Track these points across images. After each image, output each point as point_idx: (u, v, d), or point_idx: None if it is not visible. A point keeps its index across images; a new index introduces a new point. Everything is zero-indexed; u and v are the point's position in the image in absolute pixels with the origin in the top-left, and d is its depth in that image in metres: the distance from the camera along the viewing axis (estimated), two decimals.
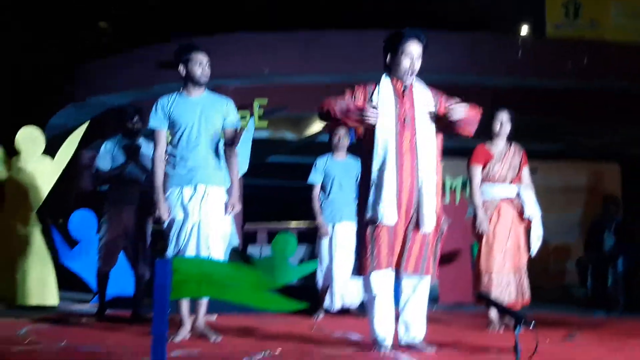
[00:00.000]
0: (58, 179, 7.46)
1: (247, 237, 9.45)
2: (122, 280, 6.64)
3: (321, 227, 6.35)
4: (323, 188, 6.43)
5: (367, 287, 4.11)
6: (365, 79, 4.07)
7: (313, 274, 6.73)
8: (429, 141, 4.11)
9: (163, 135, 4.65)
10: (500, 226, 5.49)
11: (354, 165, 6.12)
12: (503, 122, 5.57)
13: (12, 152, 7.33)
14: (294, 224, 9.40)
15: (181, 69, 4.65)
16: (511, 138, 5.64)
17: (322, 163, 6.46)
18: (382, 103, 4.07)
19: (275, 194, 15.45)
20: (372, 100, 4.09)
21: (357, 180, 5.65)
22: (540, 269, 9.08)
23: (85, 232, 7.47)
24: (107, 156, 5.97)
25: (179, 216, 4.53)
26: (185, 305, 4.56)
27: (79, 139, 7.60)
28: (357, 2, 13.62)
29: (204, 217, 4.52)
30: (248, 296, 3.02)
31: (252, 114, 8.72)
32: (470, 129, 4.16)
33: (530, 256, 5.59)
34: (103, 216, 6.06)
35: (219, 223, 4.61)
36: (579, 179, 10.55)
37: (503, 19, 14.45)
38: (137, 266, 5.93)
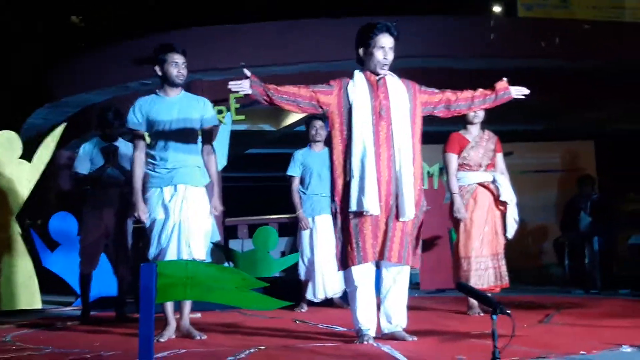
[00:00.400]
0: (37, 181, 7.46)
1: (228, 232, 9.48)
2: (105, 281, 6.67)
3: (301, 220, 6.42)
4: (302, 181, 6.49)
5: (348, 279, 4.19)
6: (341, 67, 4.14)
7: (295, 267, 6.80)
8: (404, 132, 4.19)
9: (141, 136, 4.70)
10: (477, 212, 5.60)
11: None
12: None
13: None
14: (274, 217, 9.45)
15: (157, 69, 4.68)
16: (486, 122, 5.73)
17: (300, 156, 6.51)
18: (357, 96, 4.14)
19: (255, 185, 15.48)
20: (347, 93, 4.16)
21: None
22: (518, 250, 9.22)
23: (66, 234, 7.47)
24: (86, 159, 5.99)
25: (160, 216, 4.56)
26: (169, 305, 4.59)
27: (56, 141, 7.60)
28: None
29: (185, 216, 4.55)
30: (233, 297, 3.09)
31: (228, 108, 8.72)
32: None
33: (507, 240, 5.70)
34: (83, 218, 6.08)
35: (200, 222, 4.64)
36: (554, 159, 10.69)
37: (474, 0, 14.51)
38: (118, 267, 5.98)
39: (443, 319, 5.37)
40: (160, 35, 9.33)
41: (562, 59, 9.68)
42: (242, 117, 8.94)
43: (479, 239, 5.54)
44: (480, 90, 4.45)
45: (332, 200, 4.23)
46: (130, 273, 6.00)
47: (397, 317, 4.20)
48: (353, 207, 4.06)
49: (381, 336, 4.16)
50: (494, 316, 3.16)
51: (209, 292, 3.06)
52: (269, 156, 13.50)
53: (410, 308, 4.35)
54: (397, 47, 4.28)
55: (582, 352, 3.44)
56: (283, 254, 8.86)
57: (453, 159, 5.65)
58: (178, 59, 4.65)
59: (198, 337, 4.49)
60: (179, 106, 4.66)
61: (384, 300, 4.22)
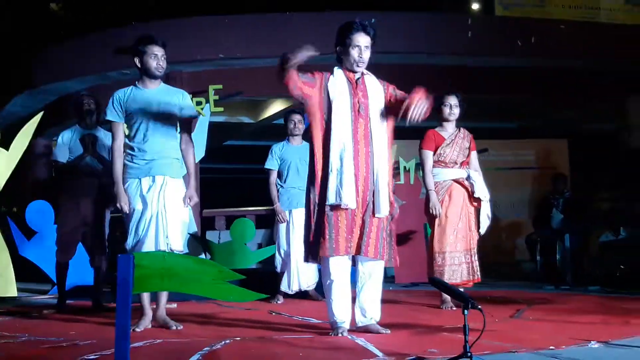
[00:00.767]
0: (14, 169, 7.40)
1: (206, 223, 9.47)
2: (81, 270, 6.65)
3: (278, 213, 6.43)
4: (279, 174, 6.50)
5: (325, 272, 4.22)
6: (322, 61, 4.15)
7: (272, 259, 6.82)
8: (381, 129, 4.24)
9: (120, 128, 4.67)
10: (452, 207, 5.64)
11: None
12: (452, 106, 5.70)
13: None
14: (252, 209, 9.46)
15: (137, 61, 4.67)
16: (461, 119, 5.78)
17: (277, 149, 6.52)
18: (337, 92, 4.17)
19: (233, 177, 15.48)
20: (327, 88, 4.18)
21: None
22: (491, 245, 9.33)
23: (42, 222, 7.43)
24: (65, 147, 5.95)
25: (138, 207, 4.56)
26: (146, 295, 4.59)
27: (33, 129, 7.53)
28: None
29: (163, 207, 4.55)
30: (209, 289, 3.10)
31: (207, 100, 8.70)
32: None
33: (480, 235, 5.76)
34: (60, 207, 6.05)
35: (178, 213, 4.64)
36: (528, 157, 10.79)
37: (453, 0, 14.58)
38: (95, 257, 5.96)
39: (416, 312, 5.43)
40: (141, 25, 9.31)
41: (538, 58, 9.76)
42: (221, 109, 8.92)
43: (453, 234, 5.59)
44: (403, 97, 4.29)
45: (310, 190, 4.23)
46: (106, 262, 5.98)
47: (372, 311, 4.24)
48: (331, 200, 4.08)
49: (355, 329, 4.20)
50: (466, 311, 3.21)
51: (185, 284, 3.07)
52: (247, 148, 13.50)
53: (384, 301, 4.39)
54: (378, 43, 4.31)
55: (551, 347, 3.49)
56: (260, 245, 8.87)
57: (429, 156, 5.69)
58: (157, 51, 4.64)
59: (174, 328, 4.50)
60: (157, 98, 4.65)
61: (359, 293, 4.26)
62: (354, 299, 4.25)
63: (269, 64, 9.30)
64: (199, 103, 8.47)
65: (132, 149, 4.62)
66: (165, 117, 4.64)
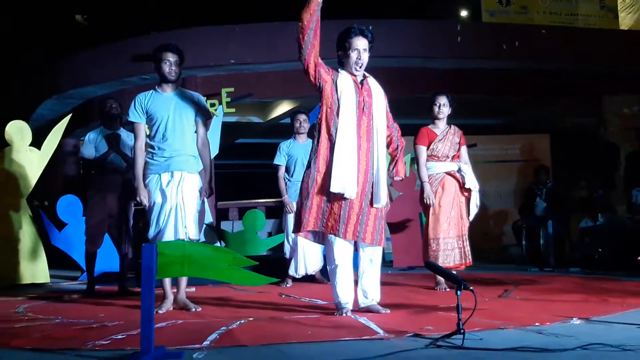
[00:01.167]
0: (45, 167, 7.45)
1: (220, 214, 9.49)
2: (108, 258, 6.67)
3: (286, 205, 6.44)
4: (287, 169, 6.50)
5: (330, 258, 4.22)
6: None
7: (281, 246, 6.83)
8: (382, 127, 4.25)
9: (142, 128, 4.69)
10: (445, 198, 5.64)
11: None
12: (441, 105, 5.69)
13: (2, 145, 7.30)
14: (262, 201, 9.47)
15: (154, 67, 4.71)
16: (452, 116, 5.78)
17: (285, 146, 6.52)
18: (344, 90, 4.14)
19: (244, 172, 15.49)
20: (336, 84, 4.17)
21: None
22: (481, 232, 9.35)
23: (72, 215, 7.46)
24: (91, 145, 5.97)
25: (158, 200, 4.58)
26: (167, 280, 4.62)
27: (62, 130, 7.58)
28: None
29: (181, 200, 4.58)
30: (225, 274, 3.12)
31: (220, 102, 8.71)
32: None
33: (469, 221, 5.76)
34: (88, 201, 6.05)
35: (194, 205, 4.67)
36: (513, 151, 10.78)
37: (443, 7, 14.56)
38: (120, 246, 5.97)
39: (413, 293, 5.43)
40: (159, 34, 9.31)
41: (521, 60, 9.77)
42: (233, 110, 8.95)
43: (447, 222, 5.59)
44: (393, 155, 4.49)
45: (309, 169, 4.16)
46: (131, 251, 5.99)
47: (373, 292, 4.24)
48: (333, 188, 4.06)
49: (358, 309, 4.20)
50: (459, 292, 3.22)
51: (203, 270, 3.09)
52: (257, 146, 13.51)
53: (384, 284, 4.40)
54: (375, 48, 4.31)
55: (536, 324, 3.50)
56: (270, 234, 8.88)
57: (423, 151, 5.70)
58: (171, 57, 4.67)
59: (193, 309, 4.51)
60: (175, 101, 4.67)
61: (360, 277, 4.26)
62: (356, 282, 4.26)
63: (276, 69, 9.38)
64: (212, 105, 8.48)
65: (152, 147, 4.64)
66: (182, 118, 4.66)
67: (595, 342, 2.91)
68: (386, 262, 5.82)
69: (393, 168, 4.45)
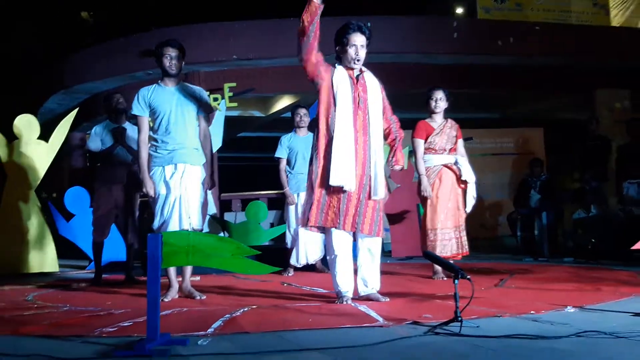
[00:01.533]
0: (53, 159, 7.43)
1: (224, 206, 9.47)
2: (115, 248, 6.67)
3: (288, 197, 6.43)
4: (288, 162, 6.49)
5: (329, 248, 4.21)
6: (324, 61, 4.15)
7: (282, 236, 6.81)
8: (378, 121, 4.22)
9: (145, 121, 4.66)
10: (442, 189, 5.63)
11: None
12: (438, 99, 5.67)
13: (11, 138, 7.28)
14: (264, 193, 9.46)
15: (156, 62, 4.70)
16: (449, 110, 5.76)
17: (286, 140, 6.50)
18: (340, 85, 4.12)
19: (247, 165, 15.48)
20: (332, 80, 4.15)
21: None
22: (477, 223, 9.34)
23: (80, 206, 7.44)
24: (97, 138, 5.95)
25: (163, 191, 4.57)
26: (172, 269, 4.61)
27: (69, 124, 7.56)
28: None
29: (184, 191, 4.56)
30: (229, 263, 3.10)
31: (223, 96, 8.68)
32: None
33: (466, 213, 5.74)
34: (95, 193, 6.04)
35: (197, 196, 4.66)
36: (508, 144, 10.77)
37: (440, 3, 14.51)
38: (127, 236, 5.97)
39: (411, 282, 5.43)
40: (162, 30, 9.26)
41: (516, 56, 9.74)
42: (235, 104, 8.91)
43: (444, 213, 5.58)
44: (391, 146, 4.45)
45: (312, 165, 4.18)
46: (137, 241, 5.99)
47: (372, 281, 4.24)
48: (332, 181, 4.05)
49: (358, 297, 4.19)
50: (456, 281, 3.22)
51: (208, 259, 3.07)
52: (259, 139, 13.50)
53: (383, 273, 4.38)
54: (373, 44, 4.28)
55: (532, 312, 3.49)
56: (272, 225, 8.87)
57: (420, 144, 5.68)
58: (171, 52, 4.66)
59: (198, 297, 4.51)
60: (177, 95, 4.66)
61: (360, 266, 4.25)
62: (356, 271, 4.25)
63: (277, 64, 9.34)
64: (215, 99, 8.45)
65: (156, 140, 4.63)
66: (184, 111, 4.64)
67: (589, 329, 2.91)
68: (385, 252, 5.80)
69: (392, 157, 4.42)
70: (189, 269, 4.69)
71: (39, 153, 7.30)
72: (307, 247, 6.35)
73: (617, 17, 12.36)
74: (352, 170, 4.06)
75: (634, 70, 9.91)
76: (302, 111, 6.51)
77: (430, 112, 5.71)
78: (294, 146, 6.43)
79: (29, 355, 2.68)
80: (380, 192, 4.14)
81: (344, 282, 4.14)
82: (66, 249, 7.76)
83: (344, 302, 4.05)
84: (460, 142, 5.78)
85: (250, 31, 9.32)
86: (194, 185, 4.62)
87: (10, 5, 14.61)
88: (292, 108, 6.75)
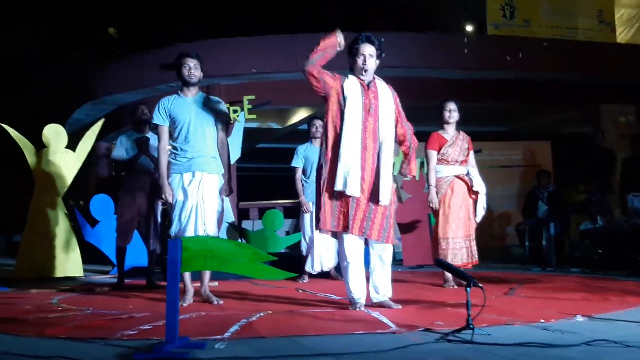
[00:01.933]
0: (80, 168, 7.45)
1: (241, 214, 9.45)
2: (137, 254, 6.65)
3: (303, 205, 6.39)
4: (304, 171, 6.46)
5: (342, 255, 4.17)
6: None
7: (298, 244, 6.77)
8: (389, 128, 4.17)
9: (165, 130, 4.64)
10: (454, 199, 5.56)
11: None
12: (451, 110, 5.62)
13: (39, 146, 7.31)
14: (280, 201, 9.42)
15: (176, 73, 4.69)
16: (460, 123, 5.70)
17: (302, 150, 6.48)
18: (351, 92, 4.09)
19: (264, 175, 15.46)
20: (343, 87, 4.11)
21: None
22: (486, 233, 9.23)
23: (104, 213, 7.44)
24: (122, 148, 5.97)
25: (180, 198, 4.55)
26: (187, 275, 4.58)
27: (96, 134, 7.58)
28: (329, 10, 13.51)
29: (201, 199, 4.54)
30: (247, 268, 3.06)
31: (242, 109, 8.67)
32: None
33: (476, 223, 5.67)
34: (119, 200, 6.04)
35: (214, 203, 4.63)
36: (517, 156, 10.66)
37: (451, 20, 14.46)
38: (149, 242, 5.95)
39: (422, 290, 5.36)
40: (185, 45, 9.27)
41: (524, 70, 9.68)
42: (254, 116, 8.89)
43: (455, 222, 5.51)
44: (405, 153, 4.41)
45: (320, 171, 4.15)
46: (158, 247, 5.97)
47: (384, 288, 4.18)
48: (338, 186, 4.00)
49: (370, 304, 4.14)
50: (468, 288, 3.15)
51: (226, 264, 3.03)
52: (276, 150, 13.45)
53: (394, 281, 4.32)
54: (385, 59, 4.26)
55: (542, 320, 3.42)
56: (287, 233, 8.83)
57: (433, 155, 5.62)
58: (190, 62, 4.66)
59: (216, 302, 4.47)
60: (196, 105, 4.65)
61: (372, 274, 4.20)
62: (368, 279, 4.19)
63: (294, 78, 9.31)
64: (235, 111, 8.44)
65: (175, 148, 4.62)
66: (203, 121, 4.62)
67: (599, 338, 2.84)
68: (396, 261, 5.73)
69: (406, 166, 4.37)
70: (207, 274, 4.66)
71: (67, 161, 7.32)
72: (322, 254, 6.32)
73: (622, 35, 12.25)
74: (358, 176, 4.00)
75: (639, 86, 9.82)
76: (318, 122, 6.48)
77: (444, 123, 5.65)
78: (309, 156, 6.40)
79: (52, 356, 2.65)
80: (386, 197, 4.07)
81: (357, 289, 4.09)
82: (91, 254, 7.75)
83: (357, 309, 4.00)
84: (472, 153, 5.72)
85: (268, 46, 9.34)
86: (211, 192, 4.60)
87: (42, 20, 14.77)
88: (308, 119, 6.73)
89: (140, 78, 9.95)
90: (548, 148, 10.74)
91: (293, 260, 6.48)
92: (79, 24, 15.13)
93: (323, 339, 3.03)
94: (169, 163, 4.61)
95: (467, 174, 5.58)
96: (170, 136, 4.66)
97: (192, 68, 4.64)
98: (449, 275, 5.50)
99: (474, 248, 5.55)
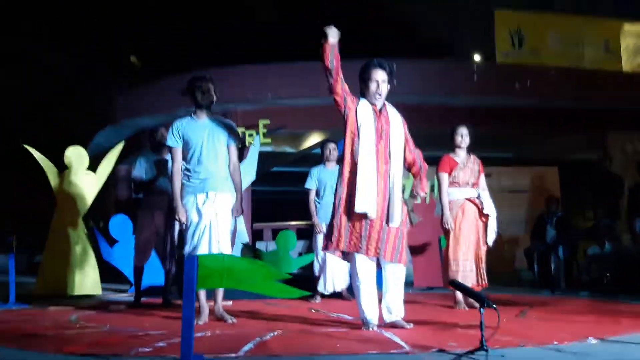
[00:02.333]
0: (100, 189, 7.45)
1: (256, 235, 9.41)
2: (154, 273, 6.60)
3: (316, 226, 6.34)
4: (317, 193, 6.41)
5: (354, 276, 4.11)
6: None
7: (310, 265, 6.71)
8: (399, 152, 4.15)
9: (178, 152, 4.61)
10: (465, 222, 5.49)
11: None
12: (463, 135, 5.58)
13: (62, 167, 7.32)
14: (294, 223, 9.38)
15: (189, 96, 4.67)
16: (470, 149, 5.65)
17: (316, 172, 6.44)
18: (364, 117, 4.07)
19: (278, 197, 15.43)
20: (357, 112, 4.08)
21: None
22: (495, 256, 9.07)
23: (123, 233, 7.41)
24: (142, 169, 5.97)
25: (195, 219, 4.51)
26: (202, 294, 4.52)
27: (116, 157, 7.60)
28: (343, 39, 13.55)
29: (214, 218, 4.50)
30: (260, 286, 3.01)
31: (257, 133, 8.69)
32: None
33: (487, 247, 5.59)
34: (138, 220, 6.01)
35: (227, 223, 4.59)
36: (525, 182, 10.58)
37: (461, 49, 14.48)
38: (165, 261, 5.91)
39: (434, 311, 5.26)
40: (202, 71, 9.34)
41: (532, 98, 9.66)
42: (269, 140, 8.91)
43: (466, 245, 5.43)
44: (415, 174, 4.37)
45: (337, 192, 4.09)
46: (175, 266, 5.92)
47: (396, 309, 4.11)
48: (356, 208, 3.95)
49: (383, 324, 4.07)
50: (482, 310, 3.07)
51: (241, 282, 2.98)
52: (290, 174, 13.43)
53: (406, 302, 4.24)
54: (397, 86, 4.23)
55: (555, 342, 3.33)
56: (300, 254, 8.76)
57: (445, 178, 5.57)
58: (203, 85, 4.64)
59: (230, 321, 4.41)
60: (209, 127, 4.61)
61: (384, 294, 4.13)
62: (380, 300, 4.12)
63: (308, 104, 9.36)
64: (250, 135, 8.46)
65: (188, 170, 4.58)
66: (215, 143, 4.58)
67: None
68: (407, 282, 5.63)
69: (418, 183, 4.32)
70: (220, 293, 4.61)
71: (88, 183, 7.32)
72: (334, 275, 6.25)
73: (628, 64, 12.20)
74: (375, 198, 3.97)
75: None
76: (331, 145, 6.45)
77: (456, 147, 5.60)
78: (322, 178, 6.36)
79: None
80: (397, 219, 4.02)
81: (369, 309, 4.03)
82: (108, 273, 7.71)
83: (370, 329, 3.93)
84: (482, 176, 5.66)
85: (283, 72, 9.40)
86: (224, 211, 4.55)
87: (68, 49, 14.96)
88: (322, 142, 6.71)
89: (159, 103, 10.02)
90: (556, 174, 10.66)
91: (305, 281, 6.40)
92: (103, 52, 15.32)
93: (337, 358, 2.96)
94: (182, 184, 4.58)
95: (478, 196, 5.51)
96: (184, 158, 4.64)
97: (205, 91, 4.63)
98: (460, 296, 5.41)
99: (484, 271, 5.46)
